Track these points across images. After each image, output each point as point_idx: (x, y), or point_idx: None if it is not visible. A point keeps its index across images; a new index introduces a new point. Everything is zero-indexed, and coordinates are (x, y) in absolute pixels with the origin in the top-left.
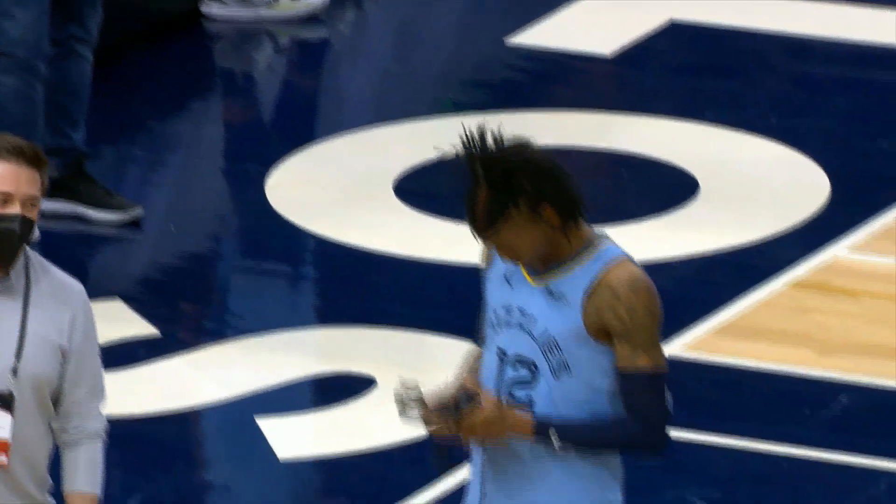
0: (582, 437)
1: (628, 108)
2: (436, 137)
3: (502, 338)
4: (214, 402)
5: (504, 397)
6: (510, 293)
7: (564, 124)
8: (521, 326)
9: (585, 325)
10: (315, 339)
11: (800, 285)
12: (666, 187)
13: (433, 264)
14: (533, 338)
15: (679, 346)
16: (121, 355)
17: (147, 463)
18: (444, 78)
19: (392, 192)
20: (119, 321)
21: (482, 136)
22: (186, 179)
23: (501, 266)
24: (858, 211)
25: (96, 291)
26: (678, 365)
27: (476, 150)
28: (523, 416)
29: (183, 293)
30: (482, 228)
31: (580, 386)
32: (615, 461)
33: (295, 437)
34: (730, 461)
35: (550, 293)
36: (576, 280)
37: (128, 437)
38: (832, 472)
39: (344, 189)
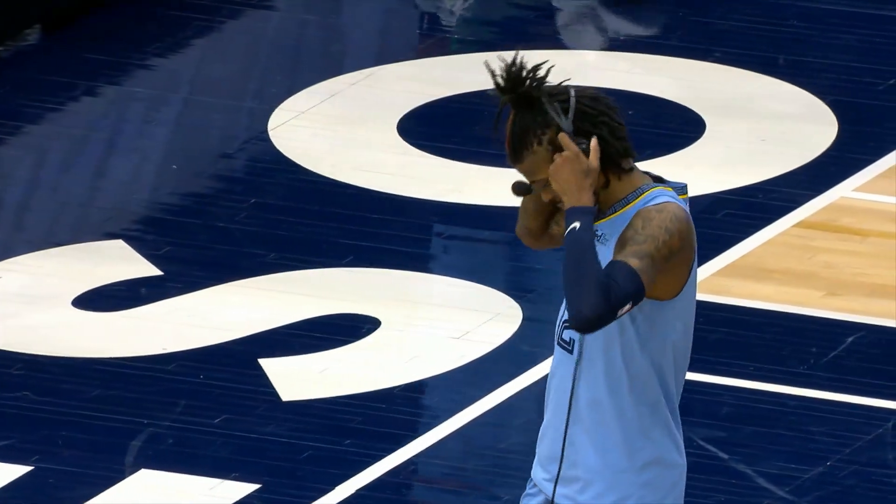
0: (579, 244)
1: (634, 46)
2: (439, 77)
3: None
4: (216, 343)
5: (557, 338)
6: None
7: (568, 62)
8: None
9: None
10: (318, 279)
11: (806, 224)
12: (672, 126)
13: (437, 204)
14: None
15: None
16: (123, 296)
17: (150, 403)
18: (447, 18)
19: (396, 132)
20: (121, 261)
21: (520, 68)
22: (188, 118)
23: None
24: (866, 150)
25: (98, 232)
26: None
27: (512, 80)
28: (588, 187)
29: (185, 233)
30: (510, 159)
31: (614, 331)
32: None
33: (298, 379)
34: (735, 401)
35: (598, 236)
36: (616, 222)
37: (130, 377)
38: (838, 413)
39: (347, 129)
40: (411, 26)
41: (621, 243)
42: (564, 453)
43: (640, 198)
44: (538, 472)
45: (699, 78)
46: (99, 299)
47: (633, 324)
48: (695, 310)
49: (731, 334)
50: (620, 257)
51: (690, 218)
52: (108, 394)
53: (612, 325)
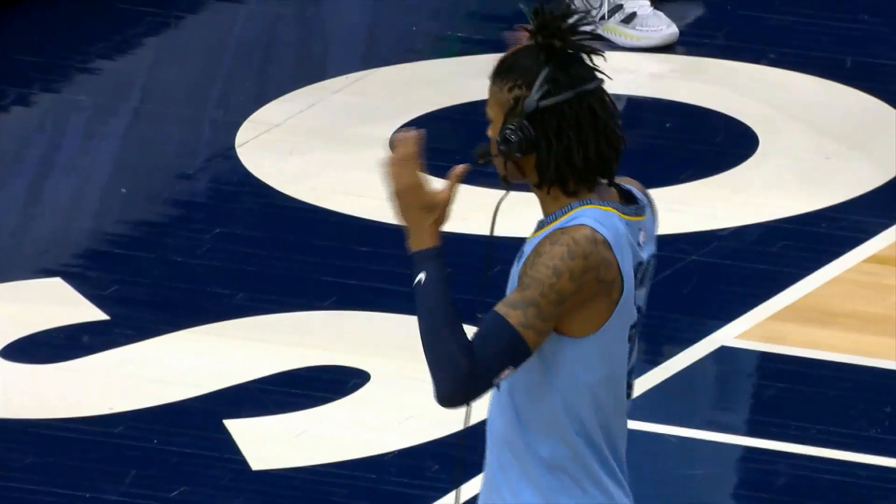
0: (427, 302)
1: (671, 47)
2: (437, 84)
3: None
4: (173, 400)
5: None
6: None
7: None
8: None
9: None
10: (295, 324)
11: (879, 259)
12: (718, 141)
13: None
14: None
15: (732, 333)
16: (61, 344)
17: (93, 474)
18: (448, 12)
19: (387, 147)
20: (59, 303)
21: (556, 17)
22: (139, 131)
23: None
24: None
25: (31, 268)
26: (730, 355)
27: (542, 24)
28: (429, 226)
29: (135, 270)
30: (490, 74)
31: (524, 369)
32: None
33: (271, 443)
34: (793, 471)
35: (518, 255)
36: (535, 240)
37: (70, 442)
38: None
39: (328, 145)
40: (405, 21)
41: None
42: (482, 489)
43: (560, 218)
44: None
45: (750, 84)
46: (32, 348)
47: (538, 357)
48: (629, 351)
49: (789, 390)
50: (500, 307)
51: (614, 243)
52: (43, 462)
53: None
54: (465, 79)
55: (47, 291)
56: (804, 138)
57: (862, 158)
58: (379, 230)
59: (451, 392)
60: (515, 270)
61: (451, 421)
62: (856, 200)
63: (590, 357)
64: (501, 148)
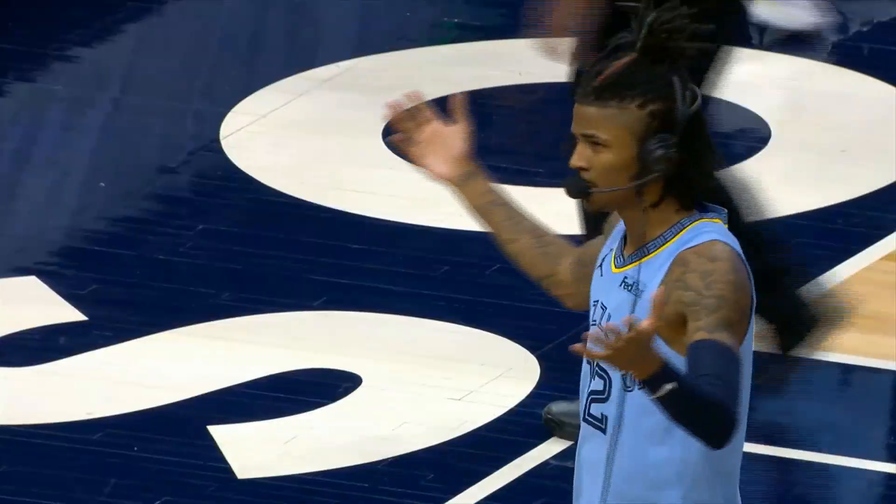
0: (685, 410)
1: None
2: (433, 72)
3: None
4: (155, 406)
5: (585, 411)
6: (599, 281)
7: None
8: (599, 325)
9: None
10: (283, 326)
11: None
12: (727, 132)
13: (434, 231)
14: None
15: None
16: (37, 346)
17: (71, 483)
18: None
19: (381, 142)
20: (35, 303)
21: (666, 20)
22: (119, 123)
23: (602, 251)
24: None
25: (5, 266)
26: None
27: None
28: (652, 358)
29: (115, 268)
30: (589, 94)
31: (650, 404)
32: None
33: (258, 451)
34: (820, 482)
35: (626, 284)
36: (652, 267)
37: (46, 449)
38: None
39: (319, 137)
40: (399, 7)
41: (689, 314)
42: None
43: (678, 236)
44: None
45: (763, 73)
46: (7, 351)
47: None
48: (752, 366)
49: (801, 391)
50: (703, 335)
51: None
52: (16, 471)
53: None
54: (462, 67)
55: (22, 291)
56: (819, 130)
57: (880, 151)
58: (372, 226)
59: (729, 437)
60: (624, 300)
61: (446, 428)
62: (874, 195)
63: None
64: (657, 168)
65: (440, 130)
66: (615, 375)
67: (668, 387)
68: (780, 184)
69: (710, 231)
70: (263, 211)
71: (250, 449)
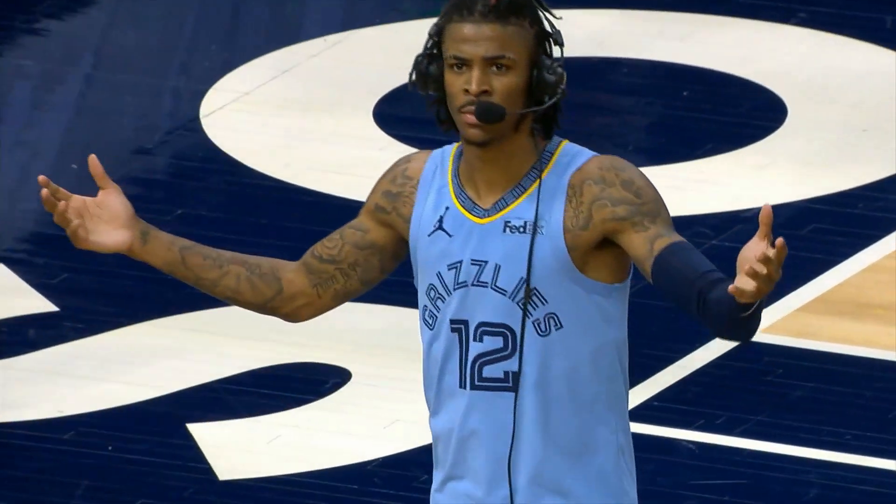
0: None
1: (691, 7)
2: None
3: (454, 306)
4: (130, 402)
5: (471, 379)
6: (451, 242)
7: (603, 28)
8: (478, 283)
9: (571, 252)
10: (267, 318)
11: None
12: (742, 112)
13: None
14: (500, 292)
15: None
16: (4, 339)
17: (41, 484)
18: None
19: (371, 119)
20: (2, 293)
21: None
22: (92, 101)
23: (428, 213)
24: None
25: None
26: (754, 351)
27: None
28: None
29: (87, 256)
30: (492, 12)
31: (578, 341)
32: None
33: (240, 450)
34: (826, 481)
35: (512, 227)
36: (542, 198)
37: (15, 448)
38: None
39: (304, 116)
40: None
41: (631, 226)
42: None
43: (551, 162)
44: None
45: (778, 47)
46: None
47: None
48: None
49: (821, 391)
50: (667, 241)
51: None
52: None
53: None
54: None
55: None
56: (838, 108)
57: None
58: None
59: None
60: (517, 243)
61: None
62: (895, 178)
63: (624, 306)
64: (560, 90)
65: (90, 203)
66: (526, 326)
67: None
68: (797, 166)
69: (581, 149)
70: (245, 194)
71: (232, 448)
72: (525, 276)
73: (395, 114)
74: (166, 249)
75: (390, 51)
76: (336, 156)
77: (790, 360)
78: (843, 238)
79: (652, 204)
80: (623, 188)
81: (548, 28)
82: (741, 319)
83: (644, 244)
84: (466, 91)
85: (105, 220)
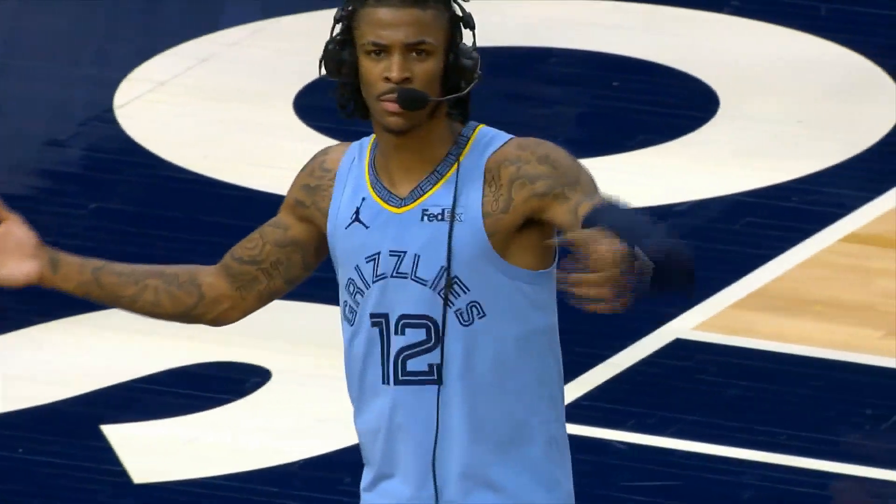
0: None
1: None
2: None
3: (373, 299)
4: (42, 403)
5: (394, 374)
6: (367, 235)
7: (532, 17)
8: (397, 275)
9: (491, 238)
10: None
11: (859, 238)
12: (673, 103)
13: None
14: (420, 283)
15: (689, 324)
16: None
17: None
18: None
19: (291, 109)
20: None
21: None
22: (1, 90)
23: (345, 206)
24: None
25: None
26: (687, 349)
27: None
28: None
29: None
30: None
31: (502, 329)
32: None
33: (157, 452)
34: (761, 482)
35: (430, 215)
36: (459, 184)
37: None
38: None
39: (224, 106)
40: None
41: (536, 203)
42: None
43: (467, 147)
44: None
45: (710, 36)
46: None
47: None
48: None
49: (755, 390)
50: (589, 204)
51: None
52: None
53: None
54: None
55: None
56: (772, 99)
57: (839, 122)
58: (280, 207)
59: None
60: (436, 231)
61: None
62: (832, 170)
63: (552, 293)
64: (477, 75)
65: None
66: (448, 316)
67: (649, 262)
68: (730, 158)
69: (498, 133)
70: (162, 188)
71: (148, 450)
72: (445, 264)
73: (316, 104)
74: (78, 273)
75: (312, 39)
76: (255, 148)
77: (723, 358)
78: (777, 232)
79: (569, 171)
80: (538, 163)
81: (458, 11)
82: (663, 287)
83: (568, 214)
84: (386, 79)
85: (9, 252)
